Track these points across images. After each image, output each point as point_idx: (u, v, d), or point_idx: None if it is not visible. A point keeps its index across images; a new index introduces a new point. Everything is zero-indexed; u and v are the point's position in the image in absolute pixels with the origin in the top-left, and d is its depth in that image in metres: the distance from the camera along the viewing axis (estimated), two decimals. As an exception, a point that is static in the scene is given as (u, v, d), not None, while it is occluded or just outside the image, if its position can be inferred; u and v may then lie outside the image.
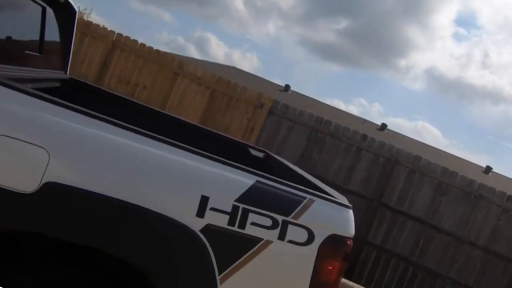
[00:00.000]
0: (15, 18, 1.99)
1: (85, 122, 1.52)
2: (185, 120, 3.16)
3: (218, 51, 42.73)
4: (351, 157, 6.77)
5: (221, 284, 1.57)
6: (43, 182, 1.43)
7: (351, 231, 1.77)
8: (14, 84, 1.49)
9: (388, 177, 6.66)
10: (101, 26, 7.47)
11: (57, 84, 2.74)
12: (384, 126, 20.99)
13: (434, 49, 42.53)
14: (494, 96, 41.12)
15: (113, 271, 1.63)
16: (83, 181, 1.45)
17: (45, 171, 1.43)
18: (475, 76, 41.45)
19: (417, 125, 35.50)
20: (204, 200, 1.56)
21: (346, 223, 1.76)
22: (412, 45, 44.03)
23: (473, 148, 35.57)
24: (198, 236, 1.54)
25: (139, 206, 1.48)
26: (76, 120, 1.51)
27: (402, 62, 46.17)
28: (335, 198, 1.83)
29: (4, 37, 1.84)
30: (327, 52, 46.12)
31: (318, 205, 1.73)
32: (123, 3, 43.35)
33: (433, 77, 42.52)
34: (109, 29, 7.37)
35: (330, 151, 6.80)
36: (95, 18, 27.48)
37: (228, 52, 43.62)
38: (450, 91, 43.45)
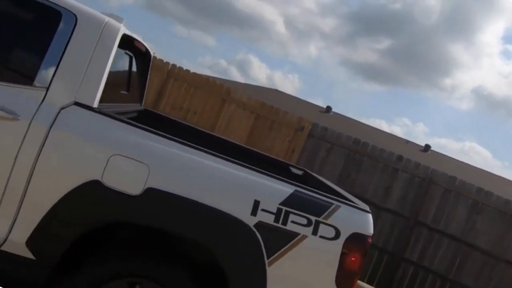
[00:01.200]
0: (116, 66, 2.66)
1: (172, 145, 2.13)
2: (240, 144, 3.74)
3: (260, 73, 43.80)
4: (388, 177, 7.15)
5: (269, 266, 2.11)
6: (145, 187, 2.04)
7: (370, 231, 2.27)
8: (125, 119, 2.13)
9: (424, 196, 6.98)
10: (157, 58, 8.31)
11: (135, 114, 3.41)
12: (427, 147, 20.91)
13: (481, 67, 41.66)
14: (546, 115, 39.55)
15: (186, 252, 2.22)
16: (173, 187, 2.05)
17: (146, 180, 2.04)
18: (526, 94, 40.09)
19: (464, 146, 34.70)
20: (256, 203, 2.12)
21: (366, 224, 2.27)
22: (457, 64, 43.36)
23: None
24: (252, 229, 2.09)
25: (211, 206, 2.06)
26: (166, 144, 2.13)
27: (447, 81, 45.44)
28: (357, 204, 2.34)
29: (112, 83, 2.50)
30: (369, 71, 46.20)
31: (343, 209, 2.24)
32: (168, 29, 45.54)
33: (480, 96, 41.55)
34: (163, 59, 8.20)
35: (368, 171, 7.21)
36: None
37: (270, 73, 44.59)
38: (499, 110, 42.22)
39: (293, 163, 6.90)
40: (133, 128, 2.13)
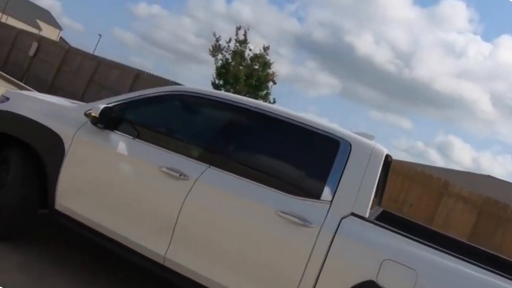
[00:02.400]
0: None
1: (435, 253, 2.42)
2: (488, 250, 3.73)
3: (463, 155, 40.45)
4: None
5: None
6: (415, 293, 2.35)
7: None
8: (392, 228, 2.54)
9: None
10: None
11: (378, 216, 3.82)
12: None
13: None
14: None
15: None
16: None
17: (415, 284, 2.35)
18: None
19: None
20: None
21: None
22: None
23: None
24: None
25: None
26: (430, 251, 2.43)
27: None
28: None
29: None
30: None
31: None
32: (363, 113, 46.79)
33: None
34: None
35: None
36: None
37: (475, 155, 40.71)
38: None
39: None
40: (400, 236, 2.51)
